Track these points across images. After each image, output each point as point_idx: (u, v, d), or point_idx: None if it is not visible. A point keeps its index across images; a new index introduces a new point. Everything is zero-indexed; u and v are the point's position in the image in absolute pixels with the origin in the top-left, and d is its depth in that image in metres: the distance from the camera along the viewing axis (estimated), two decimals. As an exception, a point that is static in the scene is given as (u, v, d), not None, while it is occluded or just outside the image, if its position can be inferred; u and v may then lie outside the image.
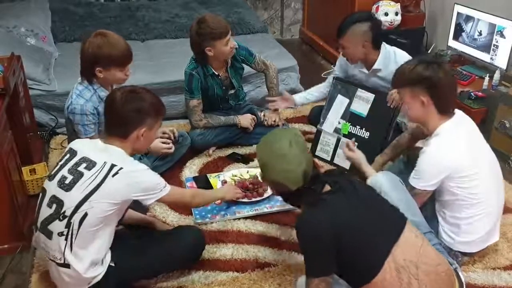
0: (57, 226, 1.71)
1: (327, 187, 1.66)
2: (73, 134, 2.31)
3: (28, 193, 2.43)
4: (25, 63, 2.87)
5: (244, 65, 2.96)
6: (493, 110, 2.90)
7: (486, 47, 3.22)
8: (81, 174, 1.72)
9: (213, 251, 2.15)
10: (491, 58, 3.20)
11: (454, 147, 1.85)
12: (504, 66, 3.10)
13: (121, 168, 1.71)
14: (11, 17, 3.56)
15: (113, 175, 1.70)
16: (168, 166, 2.72)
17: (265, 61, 3.01)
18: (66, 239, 1.70)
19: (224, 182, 2.57)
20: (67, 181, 1.72)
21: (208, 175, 2.67)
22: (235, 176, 2.63)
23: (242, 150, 2.98)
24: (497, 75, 3.10)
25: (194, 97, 2.81)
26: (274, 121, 2.99)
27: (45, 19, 3.92)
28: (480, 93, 3.01)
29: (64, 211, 1.70)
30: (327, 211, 1.59)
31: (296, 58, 3.71)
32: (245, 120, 2.94)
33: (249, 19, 4.29)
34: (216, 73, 2.81)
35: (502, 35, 3.09)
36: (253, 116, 2.97)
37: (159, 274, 2.01)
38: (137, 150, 1.89)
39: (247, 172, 2.66)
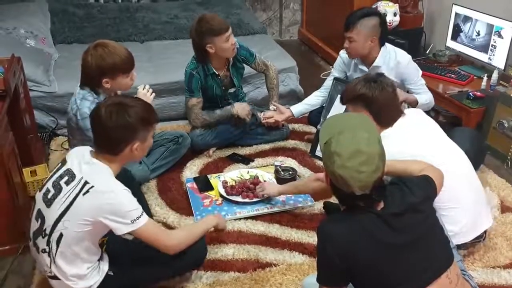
0: (41, 242, 1.70)
1: (381, 204, 1.43)
2: (74, 138, 2.32)
3: (29, 194, 2.44)
4: (25, 65, 2.86)
5: (245, 65, 2.97)
6: (491, 110, 2.91)
7: (484, 47, 3.24)
8: (60, 189, 1.66)
9: (214, 252, 2.16)
10: (489, 58, 3.22)
11: (396, 145, 1.84)
12: (502, 66, 3.12)
13: (92, 187, 1.61)
14: (11, 19, 3.56)
15: (84, 194, 1.61)
16: (168, 167, 2.73)
17: (265, 61, 3.02)
18: (49, 256, 1.69)
19: (224, 183, 2.57)
20: (49, 196, 1.68)
21: (208, 176, 2.68)
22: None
23: (243, 151, 2.99)
24: (495, 75, 3.11)
25: (194, 96, 2.81)
26: (274, 121, 2.99)
27: (45, 20, 3.93)
28: (478, 93, 3.03)
29: (45, 229, 1.67)
30: (346, 238, 1.38)
31: (295, 59, 3.71)
32: (242, 109, 2.86)
33: (248, 20, 4.30)
34: (217, 73, 2.82)
35: (500, 36, 3.10)
36: (249, 107, 2.93)
37: (160, 281, 1.97)
38: (133, 160, 1.83)
39: (248, 172, 2.67)
